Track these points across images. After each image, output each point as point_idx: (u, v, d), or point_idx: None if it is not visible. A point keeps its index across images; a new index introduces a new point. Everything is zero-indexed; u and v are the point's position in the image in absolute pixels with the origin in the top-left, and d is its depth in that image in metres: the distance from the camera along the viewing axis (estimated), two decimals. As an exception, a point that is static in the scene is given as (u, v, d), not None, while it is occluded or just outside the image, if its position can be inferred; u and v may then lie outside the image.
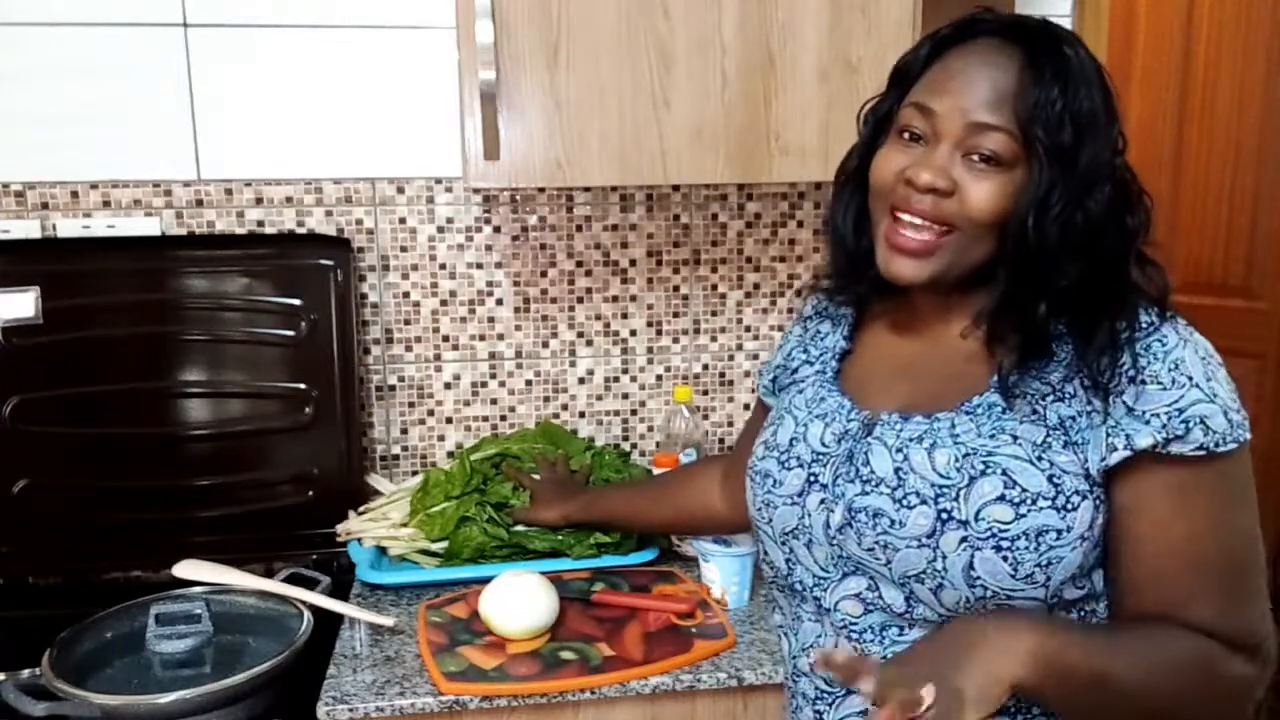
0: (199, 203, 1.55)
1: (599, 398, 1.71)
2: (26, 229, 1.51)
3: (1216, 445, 0.81)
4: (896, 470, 0.87)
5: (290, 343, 1.53)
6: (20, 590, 1.49)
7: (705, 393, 1.74)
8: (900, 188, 0.88)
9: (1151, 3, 2.47)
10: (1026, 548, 0.81)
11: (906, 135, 0.89)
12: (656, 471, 1.55)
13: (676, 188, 1.66)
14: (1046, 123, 0.83)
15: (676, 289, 1.70)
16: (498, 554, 1.43)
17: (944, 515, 0.84)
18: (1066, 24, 1.70)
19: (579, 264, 1.66)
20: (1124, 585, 0.85)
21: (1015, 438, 0.84)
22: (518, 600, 1.24)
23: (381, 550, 1.46)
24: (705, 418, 1.73)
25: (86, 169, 1.52)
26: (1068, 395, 0.85)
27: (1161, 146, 2.40)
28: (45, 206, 1.52)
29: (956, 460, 0.85)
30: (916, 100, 0.89)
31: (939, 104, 0.87)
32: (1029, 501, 0.82)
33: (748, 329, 1.73)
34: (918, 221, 0.87)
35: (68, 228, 1.52)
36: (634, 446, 1.72)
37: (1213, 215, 2.36)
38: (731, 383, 1.74)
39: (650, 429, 1.73)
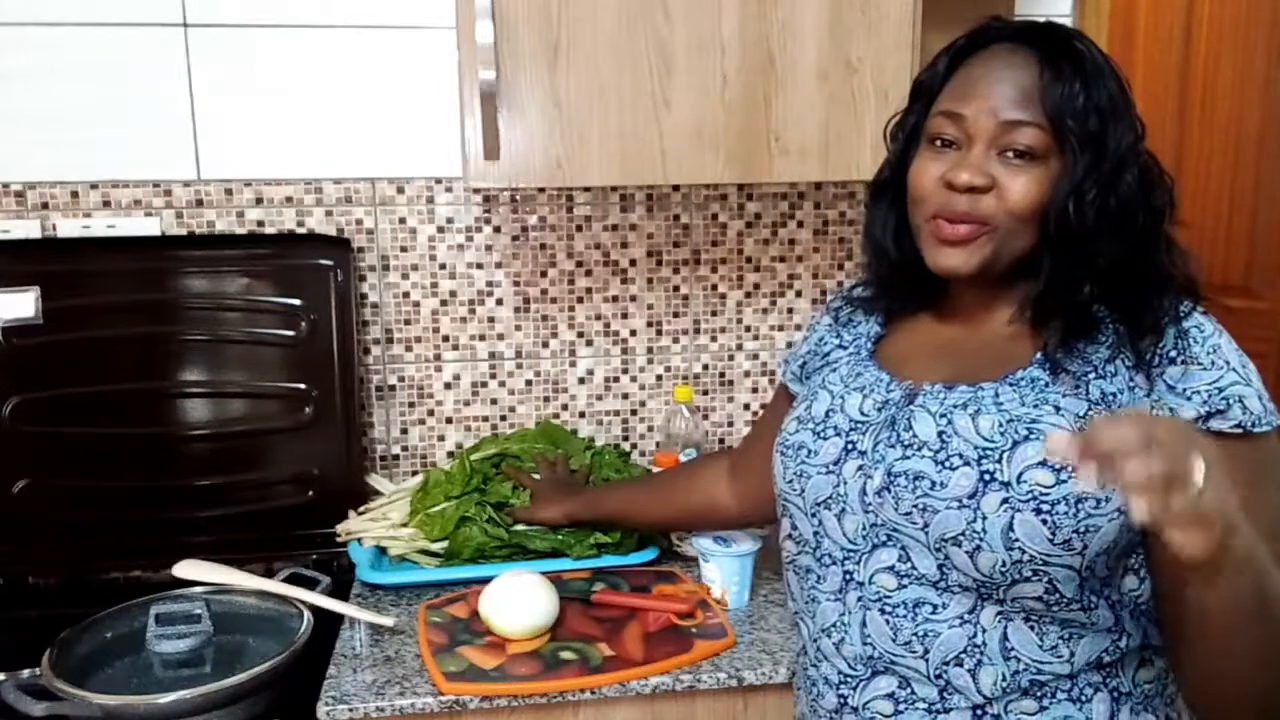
0: (199, 203, 1.55)
1: (599, 398, 1.71)
2: (26, 229, 1.51)
3: (1253, 425, 0.84)
4: (940, 434, 0.90)
5: (290, 343, 1.53)
6: (20, 590, 1.49)
7: (705, 393, 1.74)
8: (940, 193, 0.92)
9: (1151, 3, 2.47)
10: (1066, 513, 0.83)
11: (939, 143, 0.93)
12: (656, 470, 1.55)
13: (676, 188, 1.66)
14: (1073, 113, 0.87)
15: (676, 289, 1.70)
16: (498, 554, 1.43)
17: (986, 476, 0.86)
18: (1066, 24, 1.70)
19: (579, 264, 1.66)
20: (1162, 569, 0.85)
21: (1058, 408, 0.87)
22: (518, 600, 1.24)
23: (381, 550, 1.46)
24: (705, 418, 1.73)
25: (86, 169, 1.52)
26: (1109, 374, 0.88)
27: (1162, 146, 2.38)
28: (45, 206, 1.52)
29: (1000, 425, 0.87)
30: (945, 109, 0.93)
31: (968, 108, 0.91)
32: (1069, 468, 0.83)
33: (748, 329, 1.73)
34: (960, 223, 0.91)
35: (68, 228, 1.52)
36: (634, 446, 1.72)
37: (1213, 214, 2.36)
38: (731, 383, 1.74)
39: (650, 429, 1.73)
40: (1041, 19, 0.94)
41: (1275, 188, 2.24)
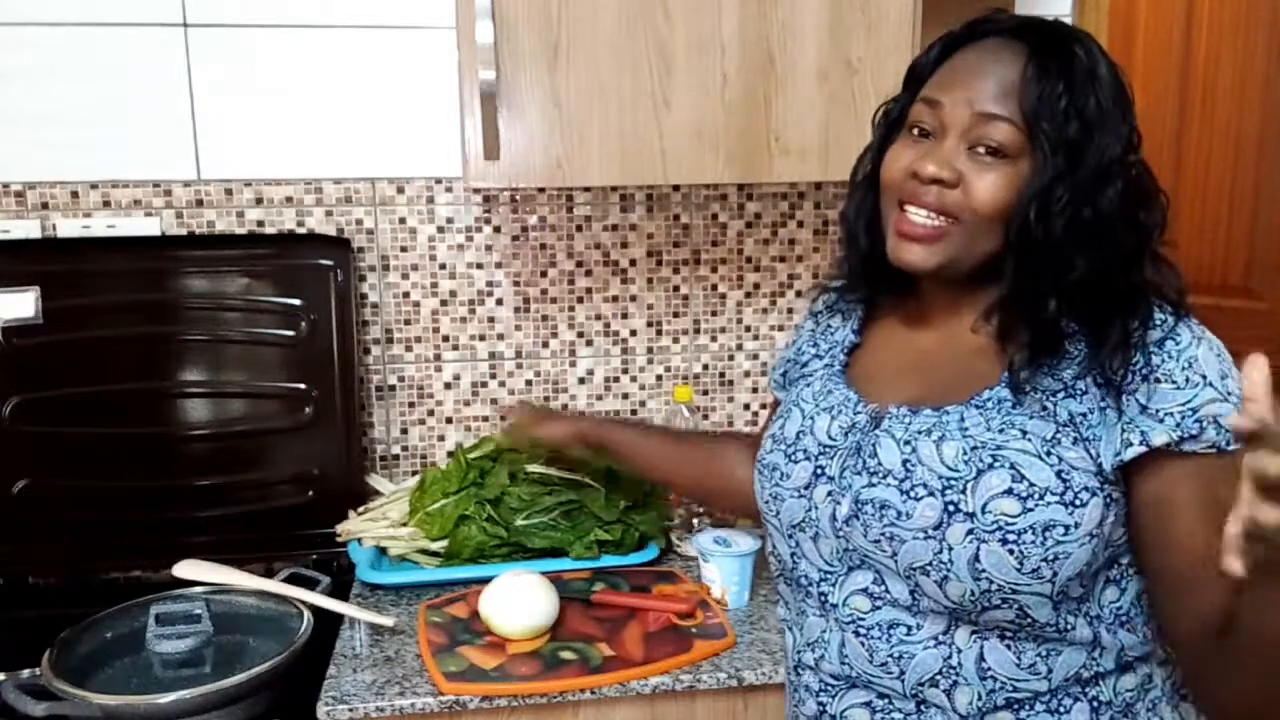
0: (199, 203, 1.55)
1: (599, 398, 1.71)
2: (26, 229, 1.51)
3: (1228, 444, 0.81)
4: (904, 462, 0.88)
5: (290, 343, 1.53)
6: (20, 590, 1.49)
7: (705, 393, 1.74)
8: (908, 182, 0.89)
9: (1151, 3, 2.47)
10: (1033, 542, 0.82)
11: (916, 131, 0.91)
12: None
13: (676, 188, 1.66)
14: (1051, 115, 0.84)
15: (676, 289, 1.70)
16: (497, 553, 1.43)
17: (951, 507, 0.84)
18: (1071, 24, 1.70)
19: (579, 264, 1.66)
20: (1169, 579, 0.84)
21: (1024, 432, 0.85)
22: (518, 600, 1.24)
23: (381, 550, 1.46)
24: (705, 418, 1.73)
25: (86, 169, 1.52)
26: (1079, 392, 0.85)
27: (1161, 146, 2.40)
28: (45, 206, 1.52)
29: (965, 453, 0.85)
30: (926, 95, 0.91)
31: (946, 96, 0.89)
32: (1036, 496, 0.82)
33: (748, 329, 1.73)
34: (924, 213, 0.88)
35: (68, 228, 1.52)
36: (634, 446, 1.72)
37: (1212, 215, 2.36)
38: (731, 383, 1.74)
39: (650, 429, 1.73)
40: (1050, 18, 0.91)
41: (1275, 188, 2.24)
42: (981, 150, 0.87)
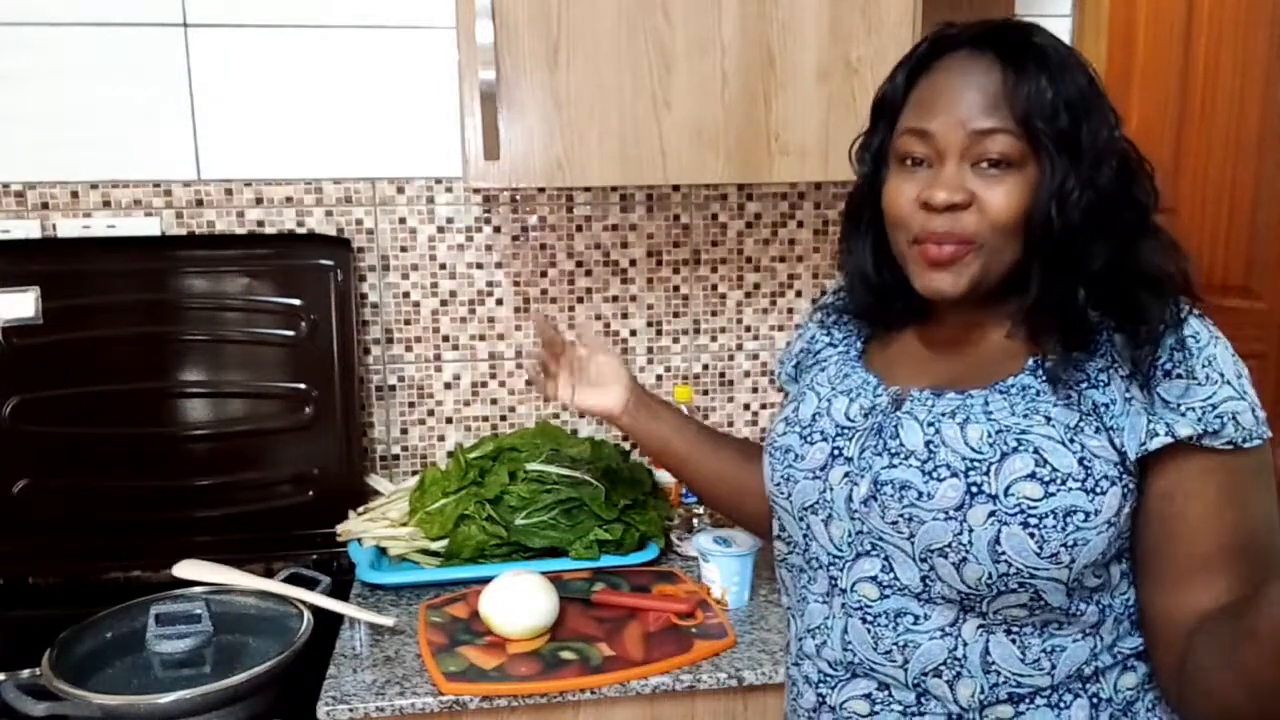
0: (199, 203, 1.55)
1: (599, 398, 1.70)
2: (26, 229, 1.51)
3: (1244, 441, 0.83)
4: (927, 443, 0.88)
5: (290, 343, 1.53)
6: (20, 590, 1.50)
7: (705, 393, 1.74)
8: (918, 215, 0.88)
9: (1151, 3, 2.47)
10: (1054, 526, 0.82)
11: (909, 162, 0.90)
12: (656, 471, 1.55)
13: (676, 188, 1.66)
14: (1043, 113, 0.84)
15: (676, 289, 1.70)
16: (497, 552, 1.43)
17: (973, 489, 0.84)
18: (1066, 24, 1.70)
19: (579, 264, 1.66)
20: (1172, 572, 0.86)
21: (1049, 418, 0.85)
22: (518, 600, 1.24)
23: (381, 550, 1.46)
24: (705, 418, 1.73)
25: (86, 169, 1.52)
26: (1102, 383, 0.86)
27: (1161, 146, 2.40)
28: (45, 206, 1.52)
29: (989, 436, 0.86)
30: (911, 126, 0.90)
31: (934, 123, 0.88)
32: (1059, 481, 0.83)
33: (748, 329, 1.73)
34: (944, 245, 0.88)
35: (68, 228, 1.52)
36: (634, 446, 1.72)
37: (1212, 215, 2.36)
38: (731, 383, 1.74)
39: (650, 429, 1.72)
40: (1038, 18, 0.92)
41: (1275, 188, 2.25)
42: (985, 165, 0.86)
